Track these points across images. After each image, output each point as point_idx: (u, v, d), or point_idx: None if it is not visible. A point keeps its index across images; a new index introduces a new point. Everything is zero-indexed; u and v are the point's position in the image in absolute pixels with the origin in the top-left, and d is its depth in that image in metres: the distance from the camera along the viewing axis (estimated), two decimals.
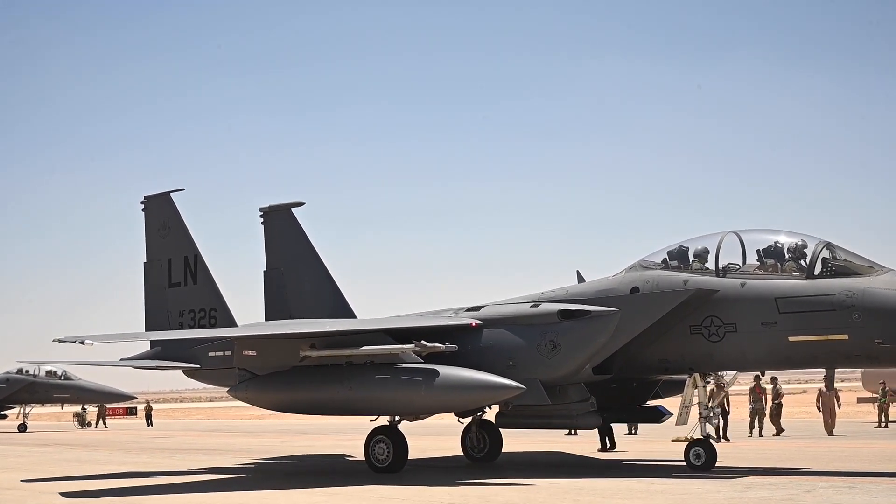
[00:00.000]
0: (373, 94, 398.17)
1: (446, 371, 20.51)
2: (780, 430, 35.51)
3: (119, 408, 75.57)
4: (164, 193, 28.25)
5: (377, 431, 22.38)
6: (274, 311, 27.41)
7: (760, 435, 35.08)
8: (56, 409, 63.05)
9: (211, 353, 25.24)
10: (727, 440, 30.90)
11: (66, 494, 19.48)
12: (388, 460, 21.92)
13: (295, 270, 27.55)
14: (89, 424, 62.62)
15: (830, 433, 35.01)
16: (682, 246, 21.01)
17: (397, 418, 22.48)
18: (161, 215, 28.17)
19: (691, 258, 20.73)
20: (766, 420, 36.12)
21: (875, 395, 44.16)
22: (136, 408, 78.38)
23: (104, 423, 63.23)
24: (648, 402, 23.46)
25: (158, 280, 27.88)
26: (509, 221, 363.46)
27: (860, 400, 52.43)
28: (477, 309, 22.63)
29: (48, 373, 53.54)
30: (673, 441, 29.89)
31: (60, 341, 21.15)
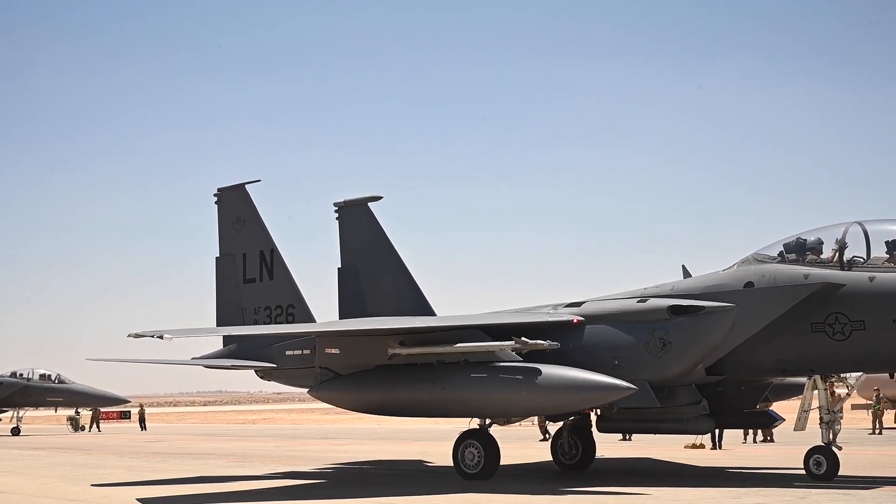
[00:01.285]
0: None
1: (550, 370, 19.15)
2: (767, 437, 35.08)
3: (113, 411, 76.07)
4: (238, 185, 27.09)
5: (467, 435, 21.10)
6: (349, 309, 26.13)
7: (755, 441, 34.75)
8: (50, 412, 63.59)
9: (288, 352, 24.08)
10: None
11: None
12: (478, 466, 20.62)
13: (372, 267, 26.29)
14: (83, 428, 62.37)
15: None
16: (799, 238, 19.50)
17: (488, 421, 21.21)
18: (235, 208, 27.02)
19: (809, 251, 19.24)
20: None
21: (869, 402, 44.19)
22: (129, 411, 78.68)
23: (98, 427, 63.10)
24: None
25: (232, 275, 26.73)
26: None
27: (854, 407, 52.65)
28: (577, 305, 21.25)
29: (42, 376, 53.88)
30: (686, 448, 30.01)
31: (137, 336, 19.83)
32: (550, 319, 20.73)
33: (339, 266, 26.78)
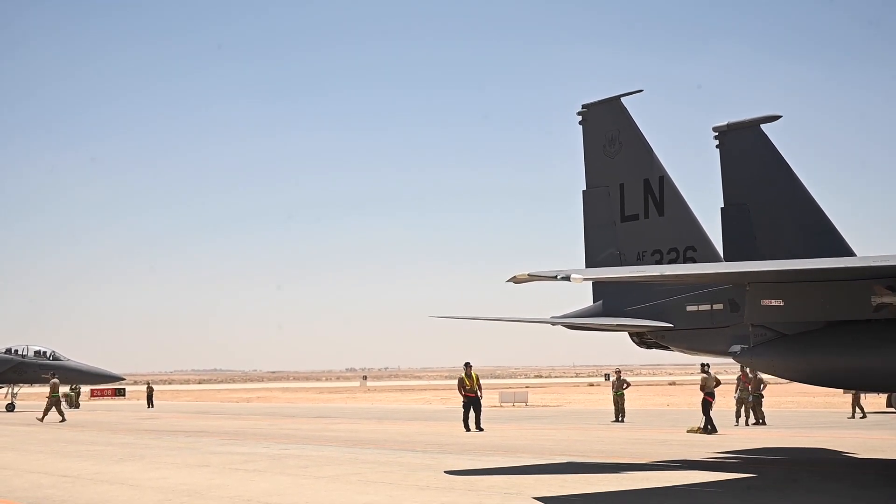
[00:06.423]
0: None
1: None
2: (759, 420, 33.77)
3: (107, 388, 77.44)
4: (612, 98, 22.18)
5: None
6: (736, 257, 20.86)
7: (747, 424, 33.24)
8: (45, 389, 63.54)
9: (690, 307, 19.15)
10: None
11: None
12: None
13: (766, 205, 20.81)
14: (78, 406, 62.58)
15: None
16: None
17: None
18: (608, 127, 22.12)
19: None
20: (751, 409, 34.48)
21: None
22: (124, 389, 79.94)
23: (77, 404, 63.88)
24: None
25: (605, 212, 21.91)
26: None
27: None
28: None
29: (36, 353, 54.82)
30: (688, 431, 28.67)
31: (529, 278, 14.99)
32: None
33: (722, 205, 21.52)
